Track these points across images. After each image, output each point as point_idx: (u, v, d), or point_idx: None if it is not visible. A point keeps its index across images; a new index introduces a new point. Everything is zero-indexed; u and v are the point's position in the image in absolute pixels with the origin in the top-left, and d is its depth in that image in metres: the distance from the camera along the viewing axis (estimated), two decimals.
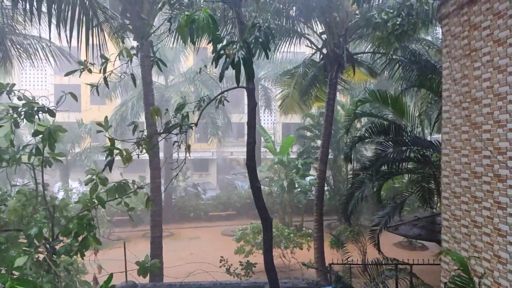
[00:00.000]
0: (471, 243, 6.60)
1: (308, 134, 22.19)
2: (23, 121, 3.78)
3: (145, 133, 4.84)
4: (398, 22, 9.20)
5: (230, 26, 10.39)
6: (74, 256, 3.85)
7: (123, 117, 23.65)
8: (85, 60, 4.30)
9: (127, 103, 24.04)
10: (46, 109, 3.81)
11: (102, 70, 4.32)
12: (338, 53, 12.33)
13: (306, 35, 13.25)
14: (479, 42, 6.36)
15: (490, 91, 6.09)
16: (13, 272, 3.22)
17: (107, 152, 4.19)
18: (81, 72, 4.22)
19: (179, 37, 11.46)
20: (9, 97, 3.89)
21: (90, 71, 4.25)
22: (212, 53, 4.66)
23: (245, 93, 6.21)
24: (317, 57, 14.35)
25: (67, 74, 4.22)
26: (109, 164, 4.22)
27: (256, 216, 6.61)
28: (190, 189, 26.51)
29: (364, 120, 19.56)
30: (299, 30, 13.05)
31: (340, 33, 12.26)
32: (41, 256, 3.65)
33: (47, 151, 3.79)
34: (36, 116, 3.77)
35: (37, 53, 13.67)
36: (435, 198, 10.72)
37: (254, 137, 5.82)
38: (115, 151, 4.22)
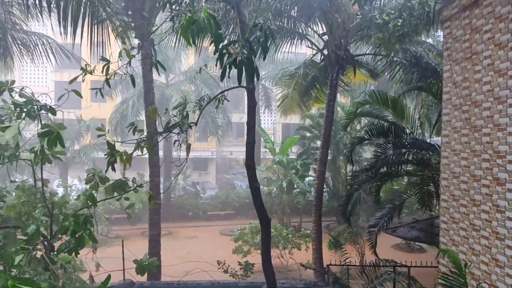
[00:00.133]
0: (469, 246, 6.61)
1: (308, 134, 22.20)
2: (24, 119, 3.78)
3: (145, 132, 4.84)
4: (399, 24, 9.21)
5: (232, 26, 10.41)
6: (75, 252, 3.85)
7: (123, 115, 23.67)
8: (86, 65, 4.30)
9: (127, 101, 24.05)
10: (48, 107, 3.82)
11: (103, 71, 4.33)
12: (339, 54, 12.33)
13: (307, 35, 13.25)
14: (480, 45, 6.36)
15: (491, 95, 6.09)
16: (11, 269, 3.22)
17: (108, 153, 4.20)
18: (84, 76, 4.22)
19: (181, 37, 11.51)
20: (10, 94, 3.89)
21: (91, 73, 4.26)
22: (214, 53, 4.66)
23: (245, 93, 6.20)
24: (317, 58, 14.36)
25: (71, 82, 4.21)
26: (111, 165, 4.22)
27: (255, 216, 6.61)
28: (189, 188, 26.50)
29: (363, 121, 19.58)
30: (300, 30, 13.05)
31: (341, 34, 12.27)
32: (39, 254, 3.65)
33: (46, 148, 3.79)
34: (38, 115, 3.78)
35: (38, 50, 13.66)
36: (434, 201, 10.72)
37: (253, 137, 5.82)
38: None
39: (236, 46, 4.49)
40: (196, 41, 4.11)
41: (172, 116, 4.93)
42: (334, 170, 20.70)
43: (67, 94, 3.94)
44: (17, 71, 17.61)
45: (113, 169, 4.25)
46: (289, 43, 13.02)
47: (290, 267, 13.78)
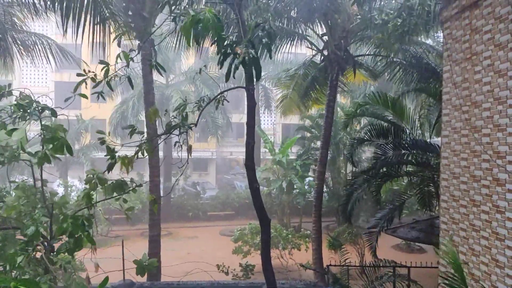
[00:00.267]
0: (469, 247, 6.61)
1: (308, 135, 22.20)
2: (29, 121, 3.79)
3: (145, 134, 4.84)
4: (398, 23, 9.21)
5: (232, 27, 10.41)
6: (74, 253, 3.85)
7: (123, 116, 23.67)
8: (85, 69, 4.31)
9: (127, 101, 24.05)
10: (49, 108, 3.83)
11: (103, 74, 4.33)
12: (339, 55, 12.34)
13: (307, 36, 13.25)
14: (480, 46, 6.37)
15: (490, 95, 6.09)
16: (11, 271, 3.22)
17: (107, 155, 4.21)
18: (85, 79, 4.22)
19: (181, 37, 11.52)
20: (15, 95, 3.90)
21: (94, 80, 4.26)
22: (217, 54, 4.65)
23: (245, 94, 6.21)
24: (317, 59, 14.36)
25: (74, 89, 4.21)
26: (110, 168, 4.23)
27: (255, 217, 6.60)
28: (189, 188, 26.50)
29: (363, 121, 19.58)
30: (300, 31, 13.06)
31: (341, 35, 12.27)
32: (39, 254, 3.65)
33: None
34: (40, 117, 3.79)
35: (38, 50, 13.67)
36: (434, 201, 10.73)
37: (253, 137, 5.82)
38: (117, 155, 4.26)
39: (241, 46, 4.49)
40: (200, 41, 4.11)
41: (173, 117, 4.94)
42: (334, 171, 20.71)
43: (71, 96, 3.96)
44: (17, 71, 17.60)
45: (110, 170, 4.26)
46: (289, 43, 13.02)
47: (290, 267, 13.78)
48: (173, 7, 5.14)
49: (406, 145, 10.52)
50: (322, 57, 13.25)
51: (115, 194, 4.23)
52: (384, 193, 14.33)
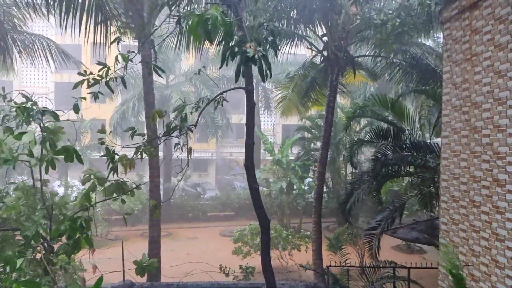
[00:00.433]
0: (469, 247, 6.61)
1: (308, 135, 22.20)
2: (32, 124, 3.81)
3: (146, 134, 4.84)
4: (397, 23, 9.21)
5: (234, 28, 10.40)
6: (72, 255, 3.84)
7: (123, 116, 23.68)
8: (84, 70, 4.30)
9: (127, 102, 24.06)
10: (52, 112, 3.84)
11: (103, 74, 4.32)
12: (339, 56, 12.34)
13: (306, 37, 13.25)
14: (480, 47, 6.37)
15: (490, 96, 6.10)
16: (12, 272, 3.22)
17: (106, 156, 4.19)
18: (85, 80, 4.22)
19: (181, 38, 11.51)
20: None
21: (96, 80, 4.26)
22: (224, 52, 4.62)
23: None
24: (317, 60, 14.36)
25: (75, 87, 4.21)
26: (115, 170, 4.21)
27: (255, 217, 6.60)
28: (189, 189, 26.49)
29: (363, 122, 19.59)
30: (300, 32, 13.05)
31: (341, 36, 12.27)
32: (39, 255, 3.65)
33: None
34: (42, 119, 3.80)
35: (38, 51, 13.68)
36: (435, 202, 10.72)
37: (252, 138, 5.82)
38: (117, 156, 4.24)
39: (252, 43, 4.48)
40: (212, 39, 4.10)
41: (173, 119, 4.93)
42: (334, 171, 20.70)
43: (75, 99, 3.97)
44: (17, 72, 17.60)
45: (114, 172, 4.24)
46: (288, 44, 13.02)
47: (290, 268, 13.77)
48: (172, 8, 5.14)
49: (405, 147, 10.50)
50: (322, 58, 13.25)
51: (114, 195, 4.22)
52: (384, 194, 14.33)
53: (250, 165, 5.86)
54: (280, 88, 16.88)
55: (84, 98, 4.08)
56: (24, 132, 3.56)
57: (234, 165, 38.77)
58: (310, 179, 20.46)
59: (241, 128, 32.49)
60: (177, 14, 4.80)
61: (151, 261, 4.48)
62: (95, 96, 4.26)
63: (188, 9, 7.46)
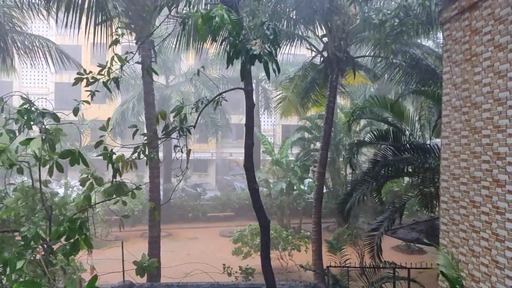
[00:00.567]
0: (469, 248, 6.60)
1: (308, 136, 22.20)
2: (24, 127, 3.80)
3: (146, 134, 4.84)
4: (395, 23, 9.21)
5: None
6: (71, 256, 3.83)
7: (123, 117, 23.68)
8: (84, 70, 4.31)
9: (127, 102, 24.06)
10: (53, 114, 3.85)
11: (104, 74, 4.33)
12: (338, 56, 12.34)
13: (306, 37, 13.26)
14: (480, 47, 6.37)
15: (490, 96, 6.09)
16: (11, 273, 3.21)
17: (102, 155, 4.19)
18: (87, 80, 4.23)
19: (181, 38, 11.51)
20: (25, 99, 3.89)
21: (95, 79, 4.27)
22: (230, 48, 4.60)
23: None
24: (317, 60, 14.37)
25: (74, 84, 4.21)
26: (116, 173, 4.20)
27: (255, 218, 6.61)
28: (189, 189, 26.48)
29: (362, 122, 19.58)
30: (300, 32, 13.06)
31: (341, 36, 12.28)
32: (38, 256, 3.64)
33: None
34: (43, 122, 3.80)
35: (37, 52, 13.69)
36: (435, 202, 10.71)
37: (252, 138, 5.83)
38: (115, 156, 4.24)
39: (258, 40, 4.47)
40: (217, 37, 4.10)
41: (174, 120, 4.93)
42: (333, 172, 20.70)
43: (80, 104, 3.99)
44: (17, 72, 17.60)
45: (117, 173, 4.23)
46: (288, 45, 13.03)
47: (289, 268, 13.77)
48: (171, 9, 5.14)
49: (404, 149, 10.48)
50: (322, 59, 13.26)
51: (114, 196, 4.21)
52: (384, 194, 14.32)
53: (249, 165, 5.87)
54: (280, 89, 16.88)
55: (88, 102, 4.09)
56: (32, 138, 3.55)
57: (234, 165, 38.76)
58: (310, 180, 20.46)
59: (241, 129, 32.35)
60: (176, 15, 4.80)
61: (151, 261, 4.48)
62: (92, 95, 4.27)
63: (187, 10, 7.44)
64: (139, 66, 11.19)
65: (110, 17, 10.27)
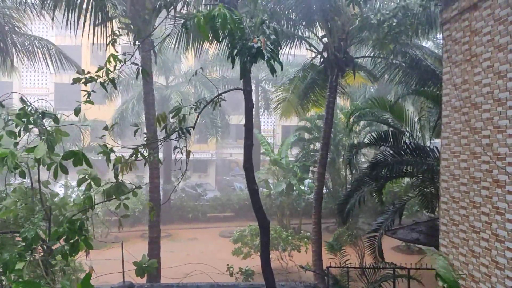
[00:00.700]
0: (469, 248, 6.60)
1: (308, 136, 22.19)
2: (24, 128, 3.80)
3: (146, 134, 4.84)
4: (394, 23, 9.20)
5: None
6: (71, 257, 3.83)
7: (123, 117, 23.67)
8: (83, 70, 4.30)
9: (127, 103, 24.06)
10: (53, 115, 3.85)
11: (102, 74, 4.33)
12: (338, 57, 12.34)
13: (306, 38, 13.25)
14: (480, 48, 6.37)
15: (490, 97, 6.10)
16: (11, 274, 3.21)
17: (106, 155, 4.19)
18: (86, 79, 4.23)
19: (181, 38, 11.50)
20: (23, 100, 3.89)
21: (93, 79, 4.26)
22: (231, 48, 4.59)
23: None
24: (317, 61, 14.36)
25: (73, 82, 4.21)
26: (116, 175, 4.20)
27: (255, 218, 6.60)
28: (189, 190, 26.46)
29: (362, 123, 19.57)
30: (299, 33, 13.06)
31: (341, 37, 12.28)
32: (37, 256, 3.64)
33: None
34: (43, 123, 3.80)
35: (37, 53, 13.69)
36: (435, 202, 10.71)
37: (251, 139, 5.83)
38: (114, 156, 4.24)
39: (261, 37, 4.47)
40: (220, 37, 4.08)
41: (174, 122, 4.93)
42: (333, 172, 20.69)
43: (80, 104, 3.98)
44: (17, 73, 17.60)
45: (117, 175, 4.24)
46: (288, 45, 13.02)
47: (289, 269, 13.76)
48: (169, 9, 5.14)
49: (405, 151, 10.47)
50: (322, 59, 13.25)
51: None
52: (384, 194, 14.33)
53: (249, 166, 5.87)
54: (280, 90, 16.87)
55: (92, 103, 4.09)
56: (36, 146, 3.55)
57: (234, 166, 38.76)
58: (310, 180, 20.45)
59: (241, 129, 32.21)
60: (176, 15, 4.81)
61: (150, 262, 4.48)
62: (88, 95, 4.27)
63: (186, 10, 7.45)
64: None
65: (110, 18, 10.27)
